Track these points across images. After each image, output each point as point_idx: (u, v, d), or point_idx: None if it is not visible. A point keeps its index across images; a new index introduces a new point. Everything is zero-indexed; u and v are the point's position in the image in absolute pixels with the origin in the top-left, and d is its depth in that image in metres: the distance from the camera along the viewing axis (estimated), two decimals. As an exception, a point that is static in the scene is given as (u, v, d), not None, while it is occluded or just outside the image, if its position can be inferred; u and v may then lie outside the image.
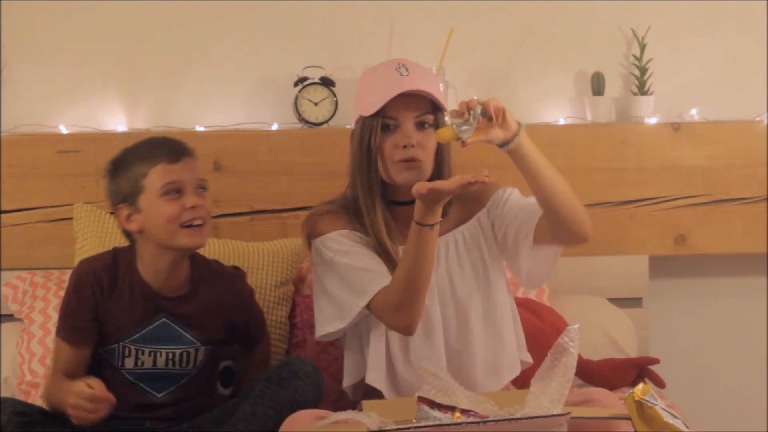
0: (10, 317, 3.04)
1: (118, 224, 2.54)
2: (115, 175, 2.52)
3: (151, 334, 2.53)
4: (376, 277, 2.39)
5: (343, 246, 2.44)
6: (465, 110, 2.23)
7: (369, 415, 2.00)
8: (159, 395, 2.55)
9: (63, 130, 3.20)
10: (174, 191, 2.47)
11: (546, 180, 2.31)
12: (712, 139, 3.25)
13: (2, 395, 2.89)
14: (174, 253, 2.51)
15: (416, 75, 2.44)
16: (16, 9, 3.20)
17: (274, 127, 3.23)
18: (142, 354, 2.53)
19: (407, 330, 2.38)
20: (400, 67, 2.45)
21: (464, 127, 2.22)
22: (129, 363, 2.53)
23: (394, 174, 2.44)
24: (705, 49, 3.33)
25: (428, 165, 2.44)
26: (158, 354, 2.53)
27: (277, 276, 2.95)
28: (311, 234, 2.49)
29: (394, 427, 1.95)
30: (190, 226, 2.48)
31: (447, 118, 2.22)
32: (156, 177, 2.46)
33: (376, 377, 2.45)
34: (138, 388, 2.54)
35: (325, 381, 2.63)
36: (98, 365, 2.54)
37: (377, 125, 2.43)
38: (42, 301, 2.95)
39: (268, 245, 2.99)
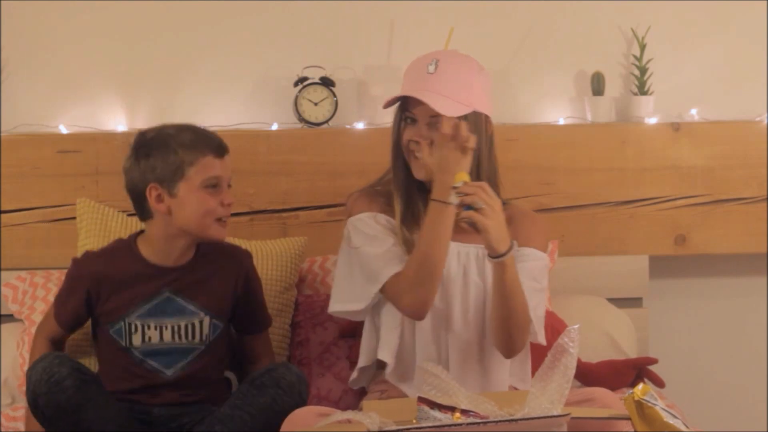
0: (10, 318, 3.04)
1: (149, 202, 2.55)
2: (150, 155, 2.55)
3: (156, 309, 2.59)
4: (391, 262, 2.41)
5: (371, 230, 2.47)
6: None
7: (369, 415, 2.00)
8: (168, 372, 2.58)
9: (63, 130, 3.20)
10: (213, 185, 2.54)
11: (509, 306, 2.35)
12: (712, 139, 3.25)
13: (2, 396, 2.90)
14: (191, 238, 2.59)
15: (441, 76, 2.43)
16: (16, 9, 3.20)
17: (274, 127, 3.22)
18: (148, 329, 2.58)
19: (419, 312, 2.39)
20: (432, 63, 2.46)
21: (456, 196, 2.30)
22: (136, 340, 2.58)
23: (411, 167, 2.48)
24: (705, 49, 3.32)
25: None
26: (164, 328, 2.58)
27: (279, 283, 2.92)
28: (350, 213, 2.55)
29: (394, 427, 1.95)
30: (220, 219, 2.57)
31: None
32: (202, 168, 2.53)
33: (385, 353, 2.48)
34: (147, 366, 2.58)
35: (327, 381, 2.62)
36: (108, 348, 2.60)
37: (400, 118, 2.49)
38: (42, 302, 2.94)
39: (268, 247, 2.98)
